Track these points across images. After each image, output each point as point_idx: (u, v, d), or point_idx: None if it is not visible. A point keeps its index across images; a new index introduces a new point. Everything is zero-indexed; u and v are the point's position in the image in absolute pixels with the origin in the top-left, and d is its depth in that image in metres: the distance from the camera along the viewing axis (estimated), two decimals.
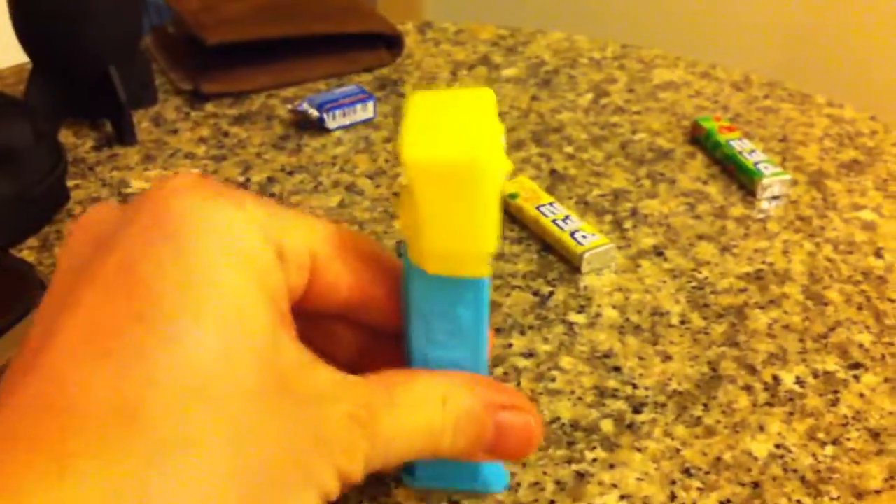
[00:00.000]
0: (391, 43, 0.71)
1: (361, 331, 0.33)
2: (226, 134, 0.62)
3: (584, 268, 0.49)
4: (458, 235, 0.27)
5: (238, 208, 0.26)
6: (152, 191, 0.26)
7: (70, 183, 0.56)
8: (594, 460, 0.38)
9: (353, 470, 0.27)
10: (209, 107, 0.65)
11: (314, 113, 0.61)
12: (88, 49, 0.60)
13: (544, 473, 0.38)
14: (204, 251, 0.25)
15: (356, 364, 0.30)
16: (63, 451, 0.21)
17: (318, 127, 0.62)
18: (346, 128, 0.62)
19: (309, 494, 0.26)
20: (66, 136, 0.61)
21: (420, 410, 0.28)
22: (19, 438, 0.22)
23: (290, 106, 0.64)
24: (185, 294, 0.24)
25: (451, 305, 0.29)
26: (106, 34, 0.60)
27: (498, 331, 0.45)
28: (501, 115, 0.64)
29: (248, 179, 0.57)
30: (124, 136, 0.60)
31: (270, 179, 0.57)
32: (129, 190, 0.56)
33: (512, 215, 0.53)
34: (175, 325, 0.24)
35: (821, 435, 0.40)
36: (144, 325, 0.23)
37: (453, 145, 0.26)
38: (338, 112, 0.61)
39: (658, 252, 0.51)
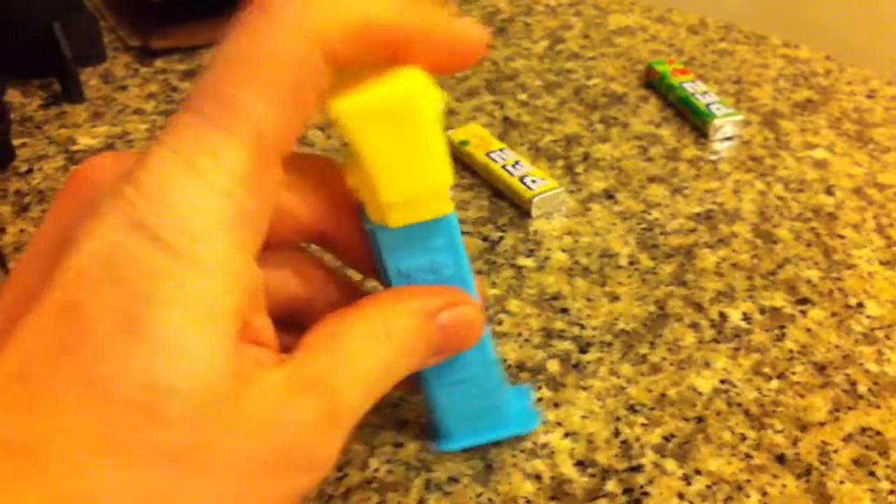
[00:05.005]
0: None
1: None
2: (175, 89, 0.61)
3: (534, 212, 0.49)
4: (412, 177, 0.26)
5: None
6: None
7: (16, 141, 0.55)
8: (539, 400, 0.38)
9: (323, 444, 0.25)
10: (158, 63, 0.64)
11: None
12: (31, 6, 0.59)
13: None
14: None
15: None
16: None
17: None
18: None
19: None
20: (13, 95, 0.60)
21: (369, 354, 0.26)
22: None
23: None
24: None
25: (426, 255, 0.29)
26: None
27: None
28: None
29: None
30: (71, 93, 0.59)
31: None
32: (76, 147, 0.55)
33: (462, 162, 0.53)
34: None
35: (766, 369, 0.40)
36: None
37: (382, 88, 0.25)
38: None
39: (609, 195, 0.51)
